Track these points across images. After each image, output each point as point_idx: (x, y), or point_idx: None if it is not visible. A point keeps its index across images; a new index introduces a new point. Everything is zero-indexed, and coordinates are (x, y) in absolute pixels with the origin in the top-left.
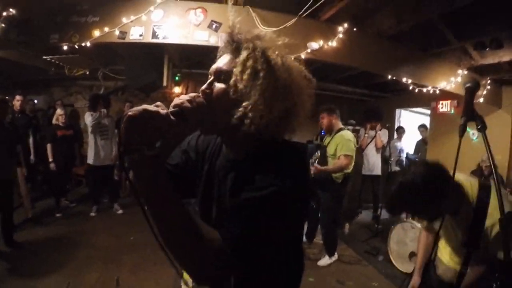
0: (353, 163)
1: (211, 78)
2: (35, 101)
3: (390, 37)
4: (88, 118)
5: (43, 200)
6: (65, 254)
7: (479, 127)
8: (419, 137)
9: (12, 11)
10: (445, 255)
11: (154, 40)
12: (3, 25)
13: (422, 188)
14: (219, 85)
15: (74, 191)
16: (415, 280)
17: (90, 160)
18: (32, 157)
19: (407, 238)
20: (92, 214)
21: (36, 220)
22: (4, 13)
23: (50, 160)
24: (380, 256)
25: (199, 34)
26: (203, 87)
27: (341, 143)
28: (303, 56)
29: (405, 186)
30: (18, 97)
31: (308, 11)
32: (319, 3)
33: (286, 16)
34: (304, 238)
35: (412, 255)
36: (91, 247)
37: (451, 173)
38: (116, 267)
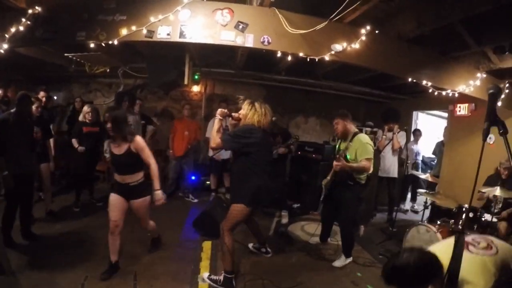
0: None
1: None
2: (55, 97)
3: (411, 40)
4: None
5: (62, 195)
6: (83, 249)
7: (501, 131)
8: (436, 140)
9: (38, 8)
10: None
11: (182, 40)
12: (28, 22)
13: (412, 274)
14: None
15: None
16: None
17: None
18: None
19: (422, 241)
20: None
21: (55, 214)
22: (30, 11)
23: (77, 146)
24: None
25: (225, 34)
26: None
27: (360, 147)
28: (326, 57)
29: (398, 270)
30: (42, 93)
31: (334, 14)
32: (343, 7)
33: (310, 18)
34: (318, 239)
35: None
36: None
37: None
38: (134, 262)
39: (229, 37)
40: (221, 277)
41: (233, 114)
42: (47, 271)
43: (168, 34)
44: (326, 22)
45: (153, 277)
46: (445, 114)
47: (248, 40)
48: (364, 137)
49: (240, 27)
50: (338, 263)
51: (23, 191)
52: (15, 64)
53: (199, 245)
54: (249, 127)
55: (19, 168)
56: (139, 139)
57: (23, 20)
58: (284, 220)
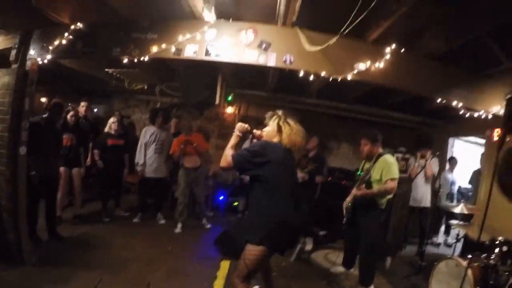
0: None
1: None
2: (95, 110)
3: (440, 58)
4: (147, 132)
5: (92, 202)
6: (103, 253)
7: None
8: (472, 169)
9: (80, 25)
10: None
11: (207, 58)
12: (71, 37)
13: None
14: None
15: (123, 198)
16: None
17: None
18: (88, 159)
19: (451, 277)
20: (136, 220)
21: (83, 218)
22: (72, 26)
23: (97, 159)
24: None
25: (249, 53)
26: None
27: (386, 168)
28: (349, 77)
29: None
30: (83, 103)
31: (349, 28)
32: (365, 23)
33: (332, 36)
34: (342, 267)
35: None
36: (129, 250)
37: None
38: (149, 272)
39: (252, 57)
40: None
41: (254, 131)
42: (65, 268)
43: (194, 52)
44: (337, 37)
45: None
46: (484, 141)
47: (270, 59)
48: (390, 158)
49: (263, 46)
50: None
51: (46, 191)
52: (61, 75)
53: (217, 264)
54: (268, 142)
55: (45, 170)
56: None
57: (66, 34)
58: (308, 247)
